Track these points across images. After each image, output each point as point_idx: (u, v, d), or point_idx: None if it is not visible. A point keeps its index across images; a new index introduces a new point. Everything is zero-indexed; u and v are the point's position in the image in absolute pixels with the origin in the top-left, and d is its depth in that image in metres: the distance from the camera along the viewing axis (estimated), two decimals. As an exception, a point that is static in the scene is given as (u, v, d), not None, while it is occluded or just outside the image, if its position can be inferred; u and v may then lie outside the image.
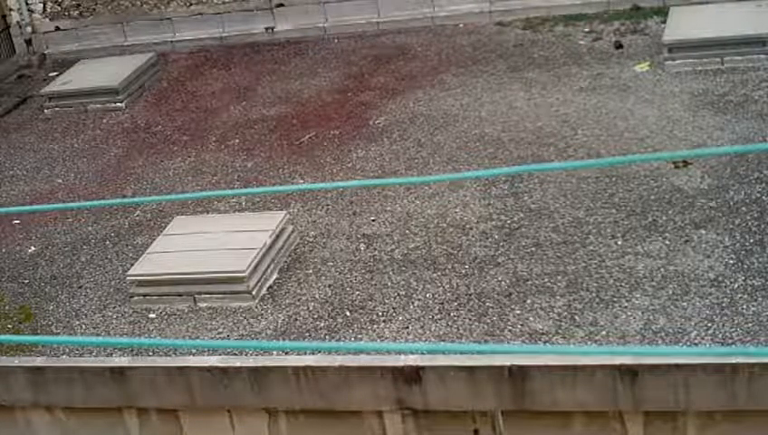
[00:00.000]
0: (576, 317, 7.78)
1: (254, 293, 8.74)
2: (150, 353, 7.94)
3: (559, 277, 8.21)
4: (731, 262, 8.09)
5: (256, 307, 8.68)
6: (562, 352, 3.94)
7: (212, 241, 9.14)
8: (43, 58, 15.71)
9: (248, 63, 14.15)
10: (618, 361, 3.20)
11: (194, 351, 7.57)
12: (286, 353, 6.81)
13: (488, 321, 7.92)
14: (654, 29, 12.66)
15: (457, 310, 8.11)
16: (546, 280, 8.25)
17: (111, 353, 8.09)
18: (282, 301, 8.70)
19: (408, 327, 8.04)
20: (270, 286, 8.91)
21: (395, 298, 8.42)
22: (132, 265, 9.31)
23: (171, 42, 15.14)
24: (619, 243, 8.57)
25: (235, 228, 9.33)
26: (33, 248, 10.32)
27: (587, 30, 13.07)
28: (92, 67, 14.36)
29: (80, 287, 9.46)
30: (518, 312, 7.97)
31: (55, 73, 14.82)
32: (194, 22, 15.04)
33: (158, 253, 9.24)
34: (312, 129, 11.78)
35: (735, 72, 11.22)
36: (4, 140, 13.19)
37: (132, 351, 8.13)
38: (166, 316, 8.81)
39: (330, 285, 8.78)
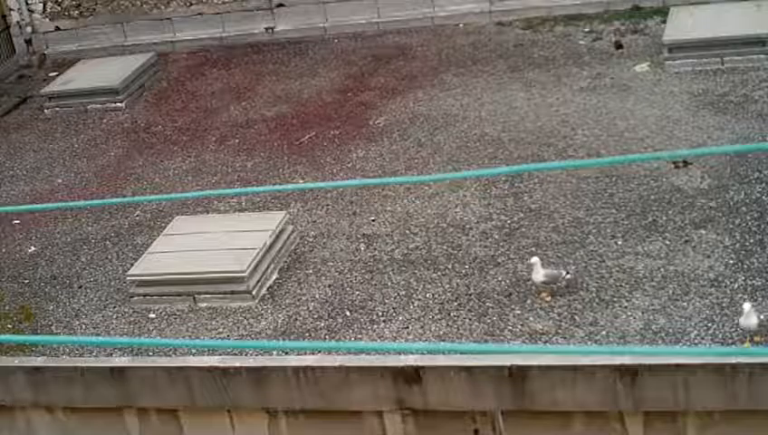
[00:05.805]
0: (576, 317, 7.78)
1: (254, 293, 8.74)
2: (150, 353, 7.94)
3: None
4: (731, 262, 8.08)
5: (256, 307, 8.67)
6: (562, 352, 3.94)
7: (212, 241, 9.14)
8: (43, 58, 15.71)
9: (248, 63, 14.15)
10: (618, 361, 3.20)
11: (194, 351, 7.56)
12: (286, 353, 6.81)
13: (488, 321, 7.92)
14: (654, 29, 12.65)
15: (457, 310, 8.11)
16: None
17: (111, 353, 8.09)
18: (282, 301, 8.70)
19: (408, 327, 8.04)
20: (270, 286, 8.91)
21: (395, 298, 8.42)
22: (132, 265, 9.31)
23: (171, 42, 15.13)
24: (619, 243, 8.57)
25: (235, 228, 9.33)
26: (33, 248, 10.31)
27: (587, 30, 13.06)
28: (92, 67, 14.36)
29: (80, 287, 9.46)
30: (518, 312, 7.97)
31: (55, 73, 14.81)
32: (194, 22, 15.04)
33: (158, 253, 9.24)
34: (312, 129, 11.78)
35: (735, 72, 11.22)
36: (4, 140, 13.19)
37: (132, 351, 8.14)
38: (166, 316, 8.80)
39: (330, 285, 8.77)
